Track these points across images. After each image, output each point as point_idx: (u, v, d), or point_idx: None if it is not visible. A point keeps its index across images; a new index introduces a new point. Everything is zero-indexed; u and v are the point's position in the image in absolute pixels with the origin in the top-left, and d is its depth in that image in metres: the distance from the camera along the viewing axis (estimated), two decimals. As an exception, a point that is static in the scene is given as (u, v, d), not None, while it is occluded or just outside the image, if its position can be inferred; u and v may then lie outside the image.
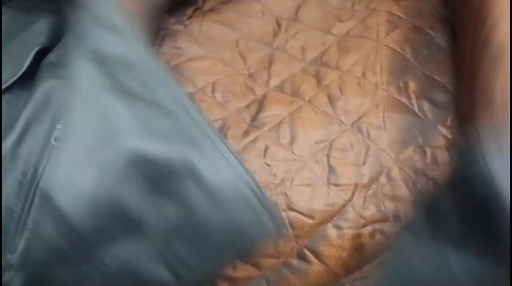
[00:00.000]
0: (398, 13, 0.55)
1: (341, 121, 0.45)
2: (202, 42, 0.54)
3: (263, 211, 0.34)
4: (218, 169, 0.33)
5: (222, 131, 0.45)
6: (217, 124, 0.45)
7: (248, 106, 0.47)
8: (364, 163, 0.43)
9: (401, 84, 0.47)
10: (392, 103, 0.46)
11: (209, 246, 0.34)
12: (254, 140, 0.44)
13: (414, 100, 0.46)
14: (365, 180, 0.42)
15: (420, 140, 0.44)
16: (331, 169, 0.43)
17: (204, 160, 0.33)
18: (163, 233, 0.33)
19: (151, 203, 0.33)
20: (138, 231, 0.33)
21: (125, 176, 0.32)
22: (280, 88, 0.49)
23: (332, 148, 0.44)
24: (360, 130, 0.45)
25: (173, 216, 0.33)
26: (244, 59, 0.53)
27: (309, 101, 0.47)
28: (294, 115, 0.45)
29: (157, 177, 0.33)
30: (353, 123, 0.45)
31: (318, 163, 0.43)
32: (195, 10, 0.59)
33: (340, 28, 0.54)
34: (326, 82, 0.48)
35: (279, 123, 0.45)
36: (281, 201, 0.41)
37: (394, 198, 0.41)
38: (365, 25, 0.54)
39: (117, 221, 0.33)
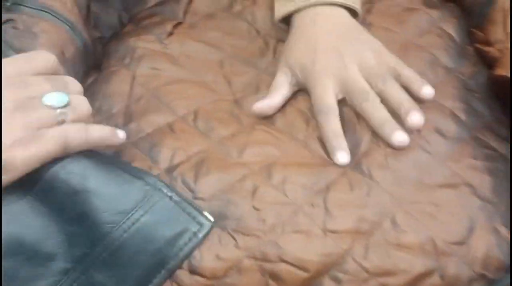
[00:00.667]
0: (395, 29, 0.51)
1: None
2: (183, 63, 0.49)
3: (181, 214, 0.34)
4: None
5: (204, 164, 0.39)
6: (199, 157, 0.40)
7: (233, 136, 0.42)
8: (365, 206, 0.38)
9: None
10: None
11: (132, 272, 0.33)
12: (241, 180, 0.39)
13: (420, 133, 0.41)
14: (367, 226, 0.37)
15: (428, 179, 0.39)
16: (328, 213, 0.37)
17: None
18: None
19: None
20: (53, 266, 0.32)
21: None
22: (270, 119, 0.44)
23: (330, 189, 0.38)
24: (360, 169, 0.40)
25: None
26: (229, 82, 0.47)
27: (304, 140, 0.42)
28: (288, 153, 0.40)
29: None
30: (352, 162, 0.40)
31: (313, 206, 0.38)
32: (176, 26, 0.54)
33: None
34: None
35: (271, 162, 0.40)
36: (270, 251, 0.36)
37: (400, 247, 0.36)
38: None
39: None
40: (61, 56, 0.43)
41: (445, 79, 0.47)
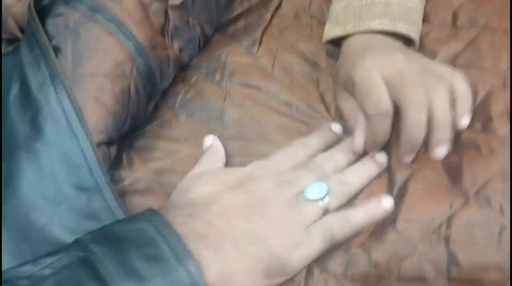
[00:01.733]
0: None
1: (462, 190, 0.35)
2: (277, 77, 0.46)
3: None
4: None
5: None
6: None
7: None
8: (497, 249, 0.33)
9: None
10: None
11: None
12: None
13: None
14: (498, 275, 0.33)
15: None
16: (452, 258, 0.33)
17: None
18: None
19: None
20: None
21: None
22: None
23: (451, 225, 0.34)
24: (488, 201, 0.35)
25: None
26: (322, 97, 0.44)
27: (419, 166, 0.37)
28: (403, 186, 0.36)
29: None
30: (477, 192, 0.35)
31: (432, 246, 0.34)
32: (265, 31, 0.50)
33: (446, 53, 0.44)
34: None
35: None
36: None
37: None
38: (476, 50, 0.44)
39: None
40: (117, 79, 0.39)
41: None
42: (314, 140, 0.39)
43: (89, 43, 0.39)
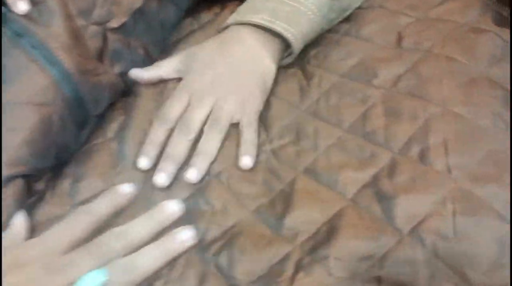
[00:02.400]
0: (462, 59, 0.43)
1: (396, 228, 0.34)
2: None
3: None
4: None
5: (234, 239, 0.35)
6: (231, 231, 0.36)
7: (271, 203, 0.37)
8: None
9: (478, 169, 0.35)
10: (466, 199, 0.34)
11: None
12: (282, 260, 0.33)
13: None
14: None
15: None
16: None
17: None
18: None
19: None
20: None
21: None
22: (313, 172, 0.38)
23: (384, 265, 0.33)
24: (422, 240, 0.33)
25: None
26: (265, 127, 0.42)
27: (353, 200, 0.36)
28: (334, 222, 0.35)
29: None
30: (412, 230, 0.34)
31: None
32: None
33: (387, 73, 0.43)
34: (373, 170, 0.36)
35: (316, 233, 0.34)
36: None
37: None
38: (418, 75, 0.42)
39: None
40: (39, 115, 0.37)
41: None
42: (99, 207, 0.35)
43: (11, 71, 0.37)
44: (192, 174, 0.38)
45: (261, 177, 0.38)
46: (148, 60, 0.50)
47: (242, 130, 0.40)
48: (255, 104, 0.42)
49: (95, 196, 0.37)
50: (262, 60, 0.44)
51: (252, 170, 0.39)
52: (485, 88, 0.40)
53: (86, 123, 0.42)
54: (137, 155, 0.40)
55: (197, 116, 0.41)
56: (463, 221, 0.33)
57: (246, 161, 0.38)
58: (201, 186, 0.38)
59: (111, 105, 0.46)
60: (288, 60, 0.46)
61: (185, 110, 0.42)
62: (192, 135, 0.40)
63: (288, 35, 0.43)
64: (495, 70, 0.42)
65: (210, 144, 0.40)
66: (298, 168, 0.39)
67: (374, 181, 0.36)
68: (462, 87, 0.40)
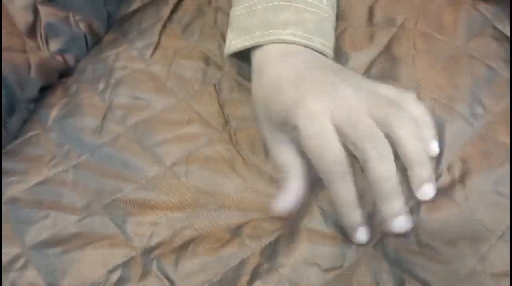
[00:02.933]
0: (438, 35, 0.40)
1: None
2: (172, 88, 0.39)
3: None
4: None
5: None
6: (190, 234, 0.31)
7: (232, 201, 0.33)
8: None
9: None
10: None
11: None
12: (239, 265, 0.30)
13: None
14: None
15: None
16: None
17: None
18: None
19: None
20: None
21: None
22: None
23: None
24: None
25: None
26: (228, 115, 0.38)
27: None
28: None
29: None
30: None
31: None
32: (163, 30, 0.43)
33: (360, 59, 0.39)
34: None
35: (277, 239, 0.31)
36: None
37: None
38: (391, 57, 0.38)
39: None
40: None
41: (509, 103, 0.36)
42: None
43: None
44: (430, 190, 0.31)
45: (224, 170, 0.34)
46: (93, 37, 0.44)
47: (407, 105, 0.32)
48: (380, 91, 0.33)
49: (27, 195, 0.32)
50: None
51: (217, 163, 0.35)
52: (464, 66, 0.37)
53: (13, 110, 0.37)
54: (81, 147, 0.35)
55: (368, 129, 0.30)
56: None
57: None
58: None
59: (50, 89, 0.40)
60: None
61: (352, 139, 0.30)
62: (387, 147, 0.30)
63: (328, 51, 0.36)
64: (473, 45, 0.39)
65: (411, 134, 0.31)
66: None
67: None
68: (438, 68, 0.37)
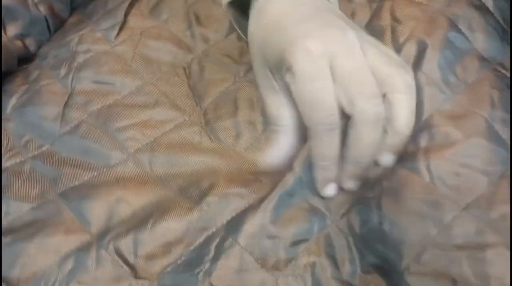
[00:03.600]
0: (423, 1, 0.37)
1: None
2: (137, 70, 0.37)
3: None
4: None
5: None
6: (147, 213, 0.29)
7: (198, 182, 0.31)
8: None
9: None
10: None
11: None
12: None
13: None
14: None
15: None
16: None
17: None
18: None
19: None
20: None
21: None
22: (255, 149, 0.32)
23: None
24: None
25: None
26: (198, 96, 0.35)
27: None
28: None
29: None
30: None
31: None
32: (129, 10, 0.41)
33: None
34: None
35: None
36: None
37: None
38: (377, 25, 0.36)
39: None
40: None
41: (480, 76, 0.34)
42: None
43: None
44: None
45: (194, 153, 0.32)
46: (55, 20, 0.42)
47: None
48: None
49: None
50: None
51: (187, 146, 0.33)
52: (443, 28, 0.35)
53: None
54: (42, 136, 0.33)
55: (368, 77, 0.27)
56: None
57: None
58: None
59: (10, 76, 0.38)
60: None
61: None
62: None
63: None
64: (453, 9, 0.37)
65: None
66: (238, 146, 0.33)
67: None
68: (422, 25, 0.35)
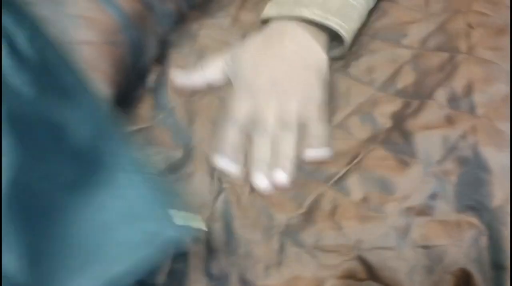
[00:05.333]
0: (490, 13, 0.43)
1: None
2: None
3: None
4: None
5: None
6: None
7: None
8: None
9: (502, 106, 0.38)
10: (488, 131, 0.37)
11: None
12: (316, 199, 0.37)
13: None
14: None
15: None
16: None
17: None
18: None
19: None
20: None
21: None
22: (343, 125, 0.40)
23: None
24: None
25: None
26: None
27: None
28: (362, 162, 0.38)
29: None
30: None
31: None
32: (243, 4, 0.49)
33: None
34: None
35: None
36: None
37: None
38: (446, 32, 0.43)
39: None
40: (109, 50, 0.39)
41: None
42: None
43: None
44: (282, 175, 0.38)
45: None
46: (178, 15, 0.49)
47: (309, 125, 0.40)
48: (318, 98, 0.41)
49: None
50: (314, 52, 0.42)
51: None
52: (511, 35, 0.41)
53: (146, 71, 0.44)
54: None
55: (269, 118, 0.40)
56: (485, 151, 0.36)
57: (311, 154, 0.39)
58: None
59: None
60: (336, 53, 0.44)
61: (254, 112, 0.40)
62: (270, 137, 0.39)
63: (343, 32, 0.41)
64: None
65: (287, 144, 0.39)
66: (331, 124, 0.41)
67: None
68: (490, 36, 0.41)
